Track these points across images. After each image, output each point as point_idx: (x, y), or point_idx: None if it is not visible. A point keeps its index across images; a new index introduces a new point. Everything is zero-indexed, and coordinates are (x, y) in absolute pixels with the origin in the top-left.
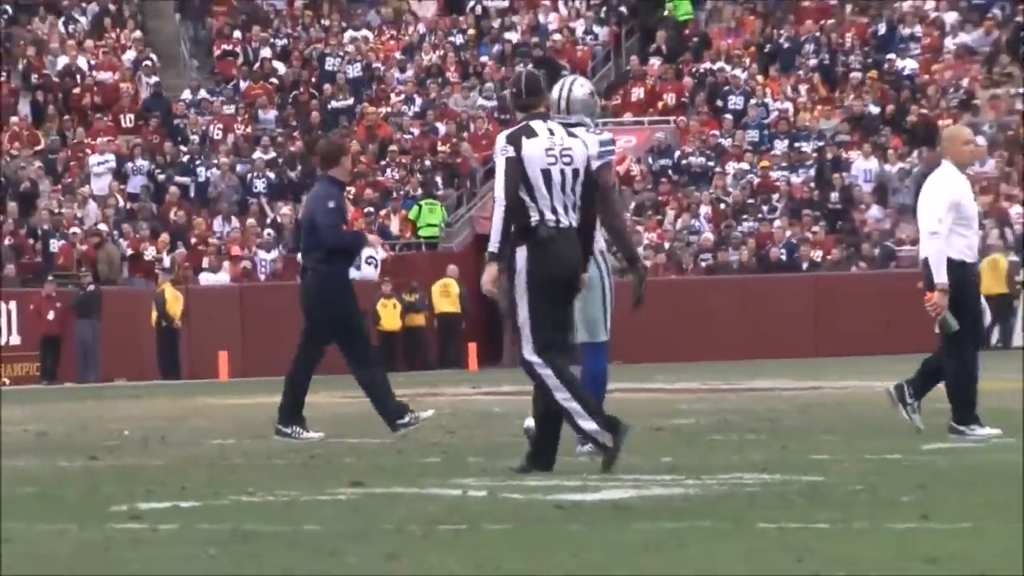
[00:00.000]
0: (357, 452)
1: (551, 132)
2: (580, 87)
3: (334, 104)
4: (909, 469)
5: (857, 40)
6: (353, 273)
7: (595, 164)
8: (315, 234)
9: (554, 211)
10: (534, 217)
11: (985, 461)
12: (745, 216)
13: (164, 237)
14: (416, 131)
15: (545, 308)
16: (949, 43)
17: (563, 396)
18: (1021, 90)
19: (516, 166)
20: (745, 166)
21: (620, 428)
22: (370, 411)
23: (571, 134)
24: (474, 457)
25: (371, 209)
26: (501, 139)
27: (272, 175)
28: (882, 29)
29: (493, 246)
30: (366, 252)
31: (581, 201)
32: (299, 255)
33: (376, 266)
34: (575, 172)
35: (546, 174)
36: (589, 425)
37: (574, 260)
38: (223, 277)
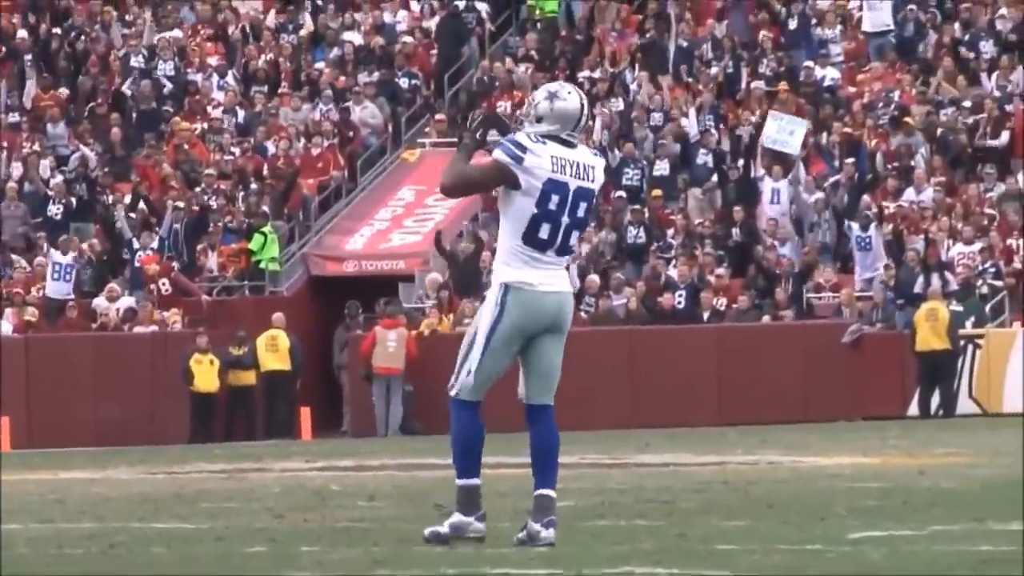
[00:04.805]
0: (167, 538)
1: None
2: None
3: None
4: (834, 562)
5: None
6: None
7: None
8: None
9: None
10: None
11: (926, 552)
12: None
13: None
14: (237, 151)
15: None
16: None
17: None
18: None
19: None
20: None
21: None
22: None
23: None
24: (308, 546)
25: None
26: None
27: (73, 199)
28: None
29: None
30: None
31: None
32: None
33: None
34: None
35: None
36: None
37: None
38: (4, 327)
